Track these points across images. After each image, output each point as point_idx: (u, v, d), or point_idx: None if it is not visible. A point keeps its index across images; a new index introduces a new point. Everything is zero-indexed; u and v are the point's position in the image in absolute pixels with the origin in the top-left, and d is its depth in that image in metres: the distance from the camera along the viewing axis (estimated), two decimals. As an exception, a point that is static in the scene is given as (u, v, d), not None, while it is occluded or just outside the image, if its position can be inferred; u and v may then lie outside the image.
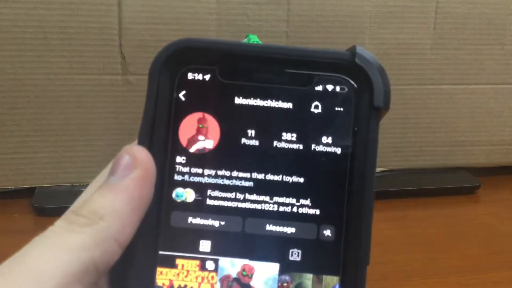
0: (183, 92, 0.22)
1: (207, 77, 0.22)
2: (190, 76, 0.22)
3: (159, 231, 0.22)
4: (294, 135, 0.22)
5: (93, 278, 0.19)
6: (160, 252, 0.22)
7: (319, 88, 0.22)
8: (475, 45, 0.57)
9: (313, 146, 0.22)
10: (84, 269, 0.18)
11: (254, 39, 0.47)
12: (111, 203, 0.19)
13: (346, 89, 0.22)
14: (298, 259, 0.22)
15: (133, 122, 0.52)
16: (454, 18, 0.56)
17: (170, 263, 0.22)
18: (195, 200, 0.22)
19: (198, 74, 0.22)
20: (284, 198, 0.22)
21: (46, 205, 0.50)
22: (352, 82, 0.22)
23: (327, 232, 0.22)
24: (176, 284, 0.22)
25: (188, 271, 0.22)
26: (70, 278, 0.17)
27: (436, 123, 0.59)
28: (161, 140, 0.22)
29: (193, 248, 0.22)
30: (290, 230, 0.22)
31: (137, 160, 0.20)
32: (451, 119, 0.59)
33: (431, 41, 0.56)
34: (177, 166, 0.22)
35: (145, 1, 0.50)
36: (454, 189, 0.58)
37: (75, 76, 0.50)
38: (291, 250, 0.22)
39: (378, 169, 0.59)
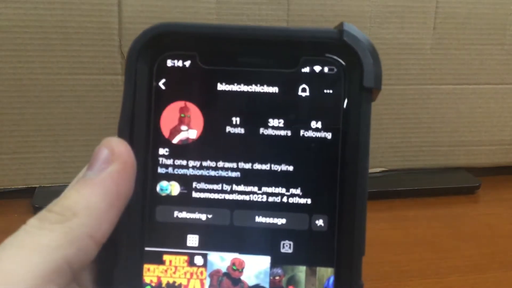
0: (163, 80, 0.21)
1: (187, 63, 0.21)
2: (169, 63, 0.21)
3: (144, 227, 0.21)
4: (281, 121, 0.21)
5: (68, 277, 0.18)
6: (146, 248, 0.21)
7: (306, 69, 0.21)
8: (475, 45, 0.57)
9: (301, 132, 0.21)
10: (57, 268, 0.17)
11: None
12: (86, 198, 0.19)
13: (335, 70, 0.21)
14: (290, 251, 0.21)
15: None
16: (454, 18, 0.56)
17: (157, 259, 0.21)
18: (180, 193, 0.21)
19: (178, 61, 0.21)
20: (273, 188, 0.21)
21: (46, 205, 0.50)
22: (341, 62, 0.21)
23: (320, 222, 0.21)
24: (164, 281, 0.21)
25: (176, 267, 0.21)
26: (42, 279, 0.17)
27: (436, 123, 0.59)
28: (142, 132, 0.21)
29: (181, 243, 0.21)
30: (281, 221, 0.21)
31: (115, 153, 0.19)
32: (451, 119, 0.59)
33: (431, 41, 0.56)
34: (160, 159, 0.21)
35: (145, 1, 0.50)
36: (454, 189, 0.58)
37: (75, 76, 0.50)
38: (282, 242, 0.21)
39: (378, 169, 0.59)
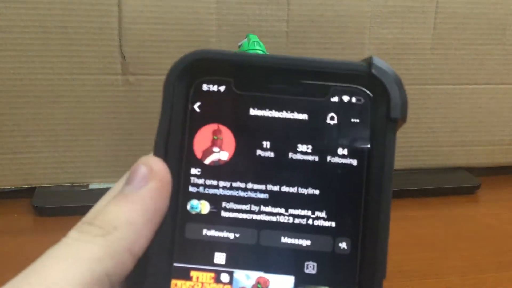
0: (198, 103, 0.22)
1: (222, 88, 0.22)
2: (205, 87, 0.22)
3: (174, 243, 0.21)
4: (310, 146, 0.22)
5: None
6: (175, 264, 0.21)
7: (335, 99, 0.22)
8: (475, 45, 0.57)
9: (328, 158, 0.22)
10: (97, 280, 0.18)
11: (254, 39, 0.47)
12: (125, 213, 0.19)
13: (363, 100, 0.22)
14: (314, 271, 0.21)
15: (133, 122, 0.52)
16: (454, 18, 0.56)
17: (184, 275, 0.21)
18: (210, 212, 0.22)
19: (213, 86, 0.22)
20: (299, 210, 0.22)
21: (46, 205, 0.50)
22: (369, 93, 0.22)
23: (343, 245, 0.21)
24: None
25: (203, 283, 0.21)
26: None
27: (436, 123, 0.59)
28: (176, 152, 0.22)
29: (208, 260, 0.21)
30: (306, 242, 0.21)
31: (154, 171, 0.20)
32: (451, 119, 0.59)
33: (431, 41, 0.56)
34: (192, 178, 0.22)
35: (145, 1, 0.50)
36: (454, 189, 0.58)
37: (75, 76, 0.50)
38: (306, 263, 0.21)
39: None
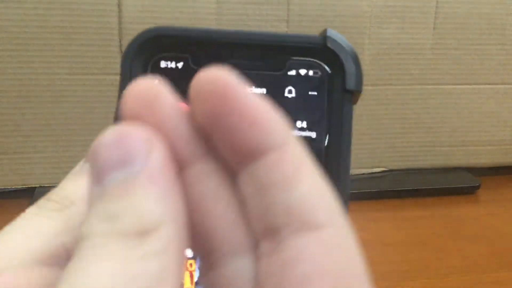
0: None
1: (180, 64, 0.22)
2: (162, 64, 0.22)
3: None
4: None
5: (64, 263, 0.17)
6: None
7: (292, 72, 0.22)
8: (475, 45, 0.57)
9: None
10: (55, 253, 0.17)
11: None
12: (82, 188, 0.19)
13: (319, 73, 0.22)
14: None
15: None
16: (454, 18, 0.56)
17: None
18: None
19: (171, 62, 0.22)
20: None
21: (46, 205, 0.50)
22: (325, 66, 0.22)
23: None
24: None
25: None
26: (40, 263, 0.17)
27: (436, 123, 0.59)
28: None
29: None
30: None
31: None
32: (451, 119, 0.59)
33: (431, 41, 0.56)
34: None
35: (145, 1, 0.50)
36: (454, 189, 0.58)
37: (75, 76, 0.50)
38: None
39: (378, 169, 0.59)
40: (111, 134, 0.16)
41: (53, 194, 0.19)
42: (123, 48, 0.50)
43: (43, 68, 0.50)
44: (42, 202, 0.19)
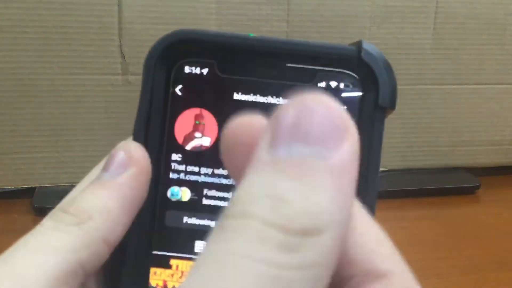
0: (180, 86, 0.21)
1: (205, 71, 0.21)
2: (187, 69, 0.21)
3: (154, 230, 0.21)
4: None
5: (80, 280, 0.18)
6: (154, 252, 0.21)
7: (322, 84, 0.21)
8: (475, 45, 0.57)
9: None
10: (70, 271, 0.17)
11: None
12: (102, 201, 0.18)
13: (351, 86, 0.21)
14: None
15: (133, 122, 0.52)
16: (454, 18, 0.56)
17: (164, 263, 0.21)
18: (191, 199, 0.21)
19: (196, 68, 0.21)
20: None
21: (46, 205, 0.50)
22: (357, 79, 0.21)
23: None
24: (170, 285, 0.21)
25: (183, 272, 0.21)
26: (55, 281, 0.16)
27: (436, 123, 0.59)
28: (156, 137, 0.21)
29: (188, 248, 0.21)
30: None
31: (133, 157, 0.19)
32: (451, 119, 0.59)
33: (431, 41, 0.56)
34: (173, 164, 0.21)
35: (145, 1, 0.50)
36: (454, 189, 0.58)
37: (75, 76, 0.50)
38: None
39: (378, 169, 0.59)
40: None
41: (70, 206, 0.18)
42: (123, 48, 0.50)
43: (43, 68, 0.49)
44: (58, 215, 0.18)
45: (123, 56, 0.50)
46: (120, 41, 0.50)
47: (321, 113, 0.12)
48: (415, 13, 0.55)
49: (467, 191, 0.58)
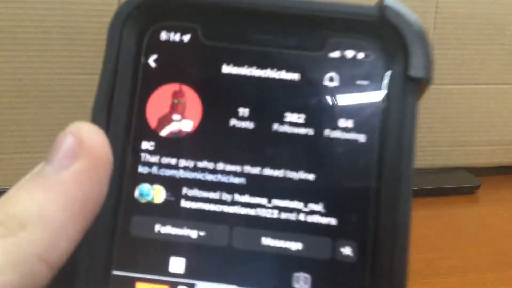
0: (154, 56, 0.17)
1: (186, 37, 0.17)
2: (163, 35, 0.17)
3: (114, 243, 0.16)
4: (302, 116, 0.16)
5: None
6: (114, 272, 0.16)
7: (335, 54, 0.17)
8: (475, 45, 0.57)
9: (327, 132, 0.16)
10: None
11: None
12: (39, 205, 0.13)
13: (372, 55, 0.17)
14: (306, 286, 0.16)
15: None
16: (454, 18, 0.56)
17: (127, 287, 0.16)
18: (165, 200, 0.16)
19: (174, 34, 0.17)
20: (287, 201, 0.16)
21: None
22: (381, 46, 0.17)
23: (346, 250, 0.16)
24: None
25: None
26: None
27: (436, 123, 0.59)
28: (122, 119, 0.17)
29: (161, 267, 0.16)
30: (295, 245, 0.16)
31: (85, 144, 0.15)
32: (451, 119, 0.59)
33: (431, 41, 0.56)
34: (143, 154, 0.17)
35: (145, 1, 0.50)
36: (454, 189, 0.58)
37: (75, 76, 0.50)
38: (296, 274, 0.16)
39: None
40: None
41: None
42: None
43: (43, 68, 0.49)
44: None
45: (123, 56, 0.50)
46: (120, 41, 0.50)
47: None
48: (415, 13, 0.55)
49: (467, 191, 0.58)
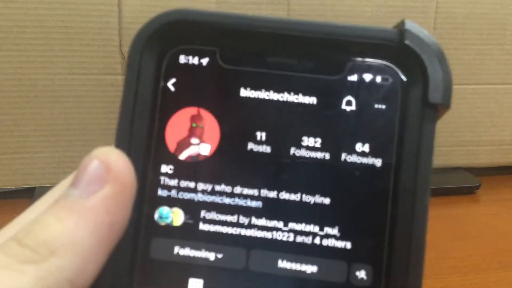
0: (173, 80, 0.17)
1: (205, 61, 0.17)
2: (182, 59, 0.17)
3: (134, 265, 0.16)
4: (319, 140, 0.17)
5: None
6: None
7: (353, 77, 0.17)
8: (475, 45, 0.57)
9: (343, 156, 0.17)
10: None
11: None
12: (69, 231, 0.14)
13: (390, 79, 0.17)
14: None
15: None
16: (454, 18, 0.56)
17: None
18: (184, 223, 0.17)
19: (193, 57, 0.17)
20: (303, 224, 0.16)
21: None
22: (399, 70, 0.17)
23: (361, 274, 0.16)
24: None
25: None
26: None
27: (436, 123, 0.59)
28: (142, 142, 0.17)
29: None
30: (310, 269, 0.16)
31: (113, 170, 0.15)
32: (451, 119, 0.59)
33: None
34: (162, 178, 0.17)
35: (145, 1, 0.50)
36: (454, 189, 0.58)
37: (75, 76, 0.50)
38: None
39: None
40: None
41: (26, 236, 0.14)
42: (123, 48, 0.50)
43: (43, 68, 0.49)
44: (12, 248, 0.14)
45: (123, 56, 0.50)
46: (120, 41, 0.50)
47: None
48: (415, 13, 0.55)
49: (467, 191, 0.58)
